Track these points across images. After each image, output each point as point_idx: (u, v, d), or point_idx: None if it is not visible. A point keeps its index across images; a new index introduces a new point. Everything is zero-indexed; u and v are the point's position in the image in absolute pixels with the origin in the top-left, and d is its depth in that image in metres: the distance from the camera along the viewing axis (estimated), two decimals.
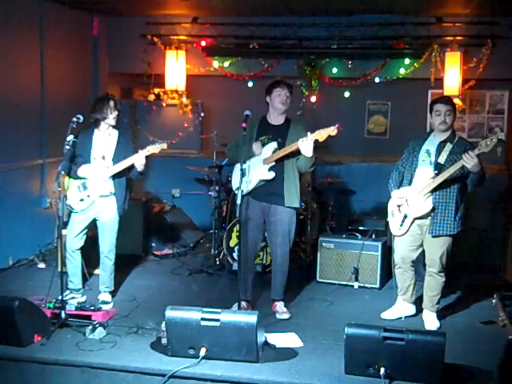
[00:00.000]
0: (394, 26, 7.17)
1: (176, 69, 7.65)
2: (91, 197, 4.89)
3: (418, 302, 4.88)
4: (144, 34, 7.72)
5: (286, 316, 4.77)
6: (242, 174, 4.38)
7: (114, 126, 4.99)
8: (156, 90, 8.10)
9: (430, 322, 4.68)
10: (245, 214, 4.72)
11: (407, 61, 7.31)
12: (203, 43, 7.63)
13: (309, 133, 4.43)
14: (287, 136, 4.69)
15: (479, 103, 7.78)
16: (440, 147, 4.54)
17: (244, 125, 4.45)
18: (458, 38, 7.09)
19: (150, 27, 7.70)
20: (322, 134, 4.38)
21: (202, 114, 7.92)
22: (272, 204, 4.73)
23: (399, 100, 7.89)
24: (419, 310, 4.88)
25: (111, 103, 4.89)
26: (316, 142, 4.43)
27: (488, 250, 6.49)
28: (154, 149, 4.85)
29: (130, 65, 7.97)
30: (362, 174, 7.50)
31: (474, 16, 6.94)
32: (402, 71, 7.35)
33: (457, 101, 7.30)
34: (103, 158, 4.92)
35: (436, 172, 4.47)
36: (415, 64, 7.25)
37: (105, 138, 4.97)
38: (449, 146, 4.52)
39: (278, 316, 4.78)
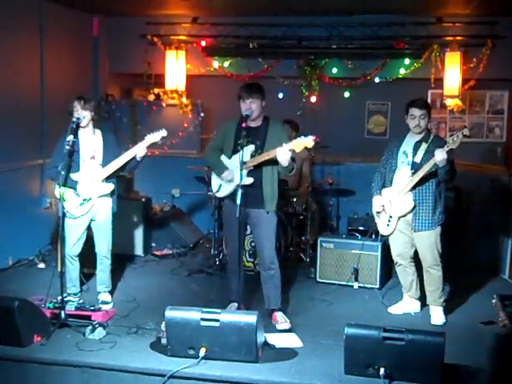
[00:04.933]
0: (393, 26, 7.17)
1: (176, 69, 7.65)
2: (92, 199, 4.82)
3: (424, 298, 4.93)
4: (144, 34, 7.73)
5: (286, 326, 4.55)
6: (241, 169, 4.29)
7: (95, 126, 4.88)
8: (156, 90, 8.11)
9: (436, 316, 4.75)
10: (228, 214, 4.71)
11: (407, 61, 7.32)
12: (203, 43, 7.64)
13: (284, 143, 4.31)
14: (266, 138, 4.55)
15: (479, 103, 7.78)
16: (416, 147, 4.70)
17: (244, 125, 4.43)
18: (458, 38, 7.10)
19: (150, 27, 7.70)
20: (298, 145, 4.27)
21: (202, 114, 7.92)
22: (251, 208, 4.56)
23: (399, 100, 7.80)
24: (423, 305, 4.95)
25: (73, 103, 4.71)
26: (293, 151, 4.34)
27: (488, 250, 6.48)
28: (153, 137, 4.78)
29: (130, 65, 7.97)
30: (361, 174, 7.46)
31: (474, 16, 6.94)
32: (402, 71, 7.36)
33: (457, 101, 7.31)
34: (93, 157, 4.83)
35: (413, 171, 4.65)
36: (415, 64, 7.26)
37: (90, 137, 4.86)
38: (424, 146, 4.67)
39: (277, 326, 4.55)
